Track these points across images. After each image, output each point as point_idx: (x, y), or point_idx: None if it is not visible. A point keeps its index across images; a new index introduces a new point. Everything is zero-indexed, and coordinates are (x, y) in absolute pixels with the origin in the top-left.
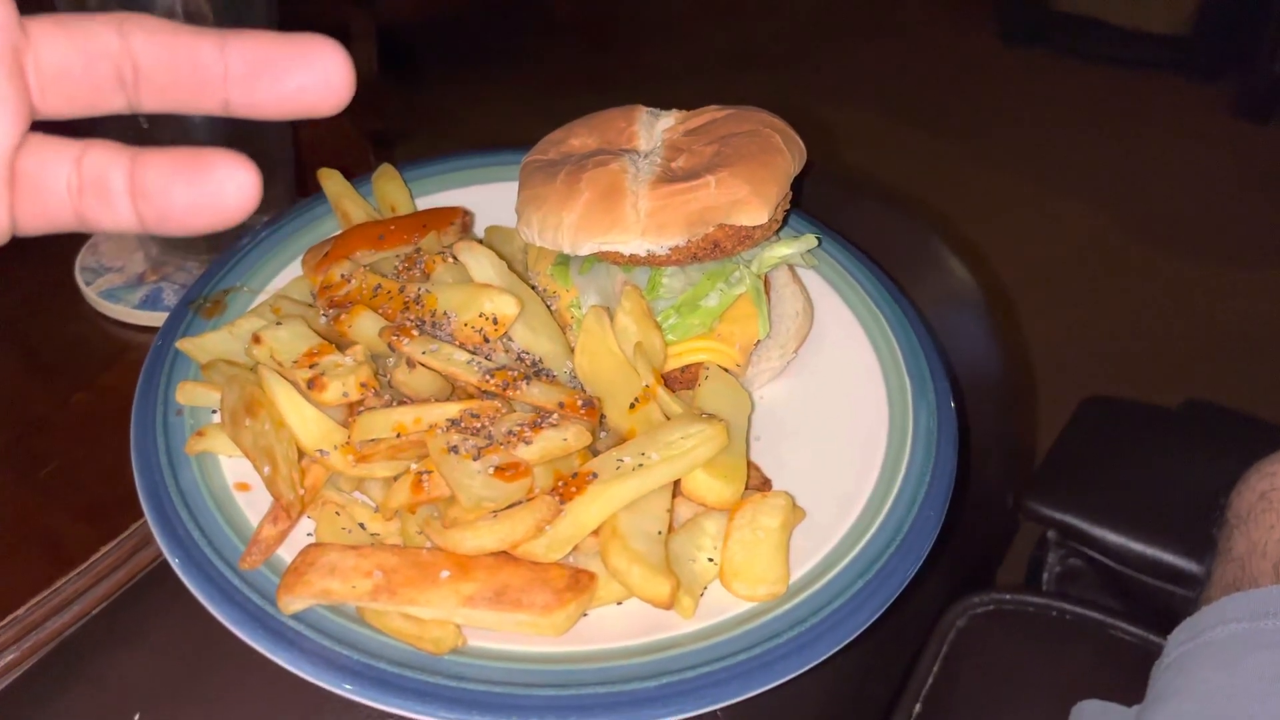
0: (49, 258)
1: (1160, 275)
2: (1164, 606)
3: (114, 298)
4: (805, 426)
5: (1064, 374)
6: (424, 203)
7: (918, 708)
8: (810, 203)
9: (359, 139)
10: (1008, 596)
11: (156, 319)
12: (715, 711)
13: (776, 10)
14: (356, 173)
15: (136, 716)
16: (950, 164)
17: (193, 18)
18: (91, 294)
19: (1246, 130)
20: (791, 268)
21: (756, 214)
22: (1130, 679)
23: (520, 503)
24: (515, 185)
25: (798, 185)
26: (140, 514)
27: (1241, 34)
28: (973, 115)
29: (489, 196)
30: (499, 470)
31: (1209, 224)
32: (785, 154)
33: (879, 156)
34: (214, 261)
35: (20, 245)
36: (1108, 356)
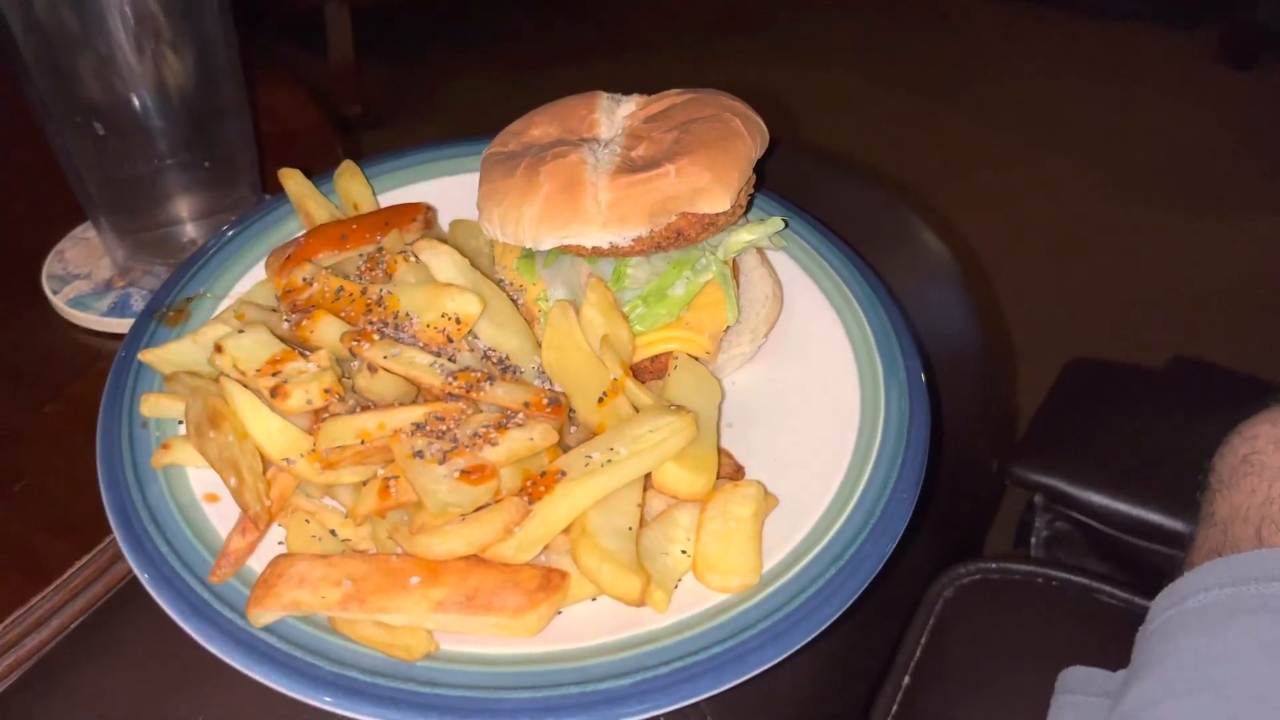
0: (14, 266)
1: (1142, 229)
2: (1153, 567)
3: (82, 306)
4: (777, 412)
5: (1047, 335)
6: (387, 198)
7: (906, 680)
8: (779, 177)
9: (326, 130)
10: (993, 566)
11: (125, 326)
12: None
13: None
14: (324, 165)
15: None
16: (926, 124)
17: (142, 19)
18: (59, 302)
19: (1228, 78)
20: (760, 250)
21: (718, 201)
22: (1116, 643)
23: (488, 505)
24: (478, 176)
25: (761, 167)
26: None
27: None
28: (949, 72)
29: (453, 189)
30: (464, 474)
31: (1190, 175)
32: (746, 138)
33: (853, 119)
34: (177, 267)
35: None
36: (1090, 315)
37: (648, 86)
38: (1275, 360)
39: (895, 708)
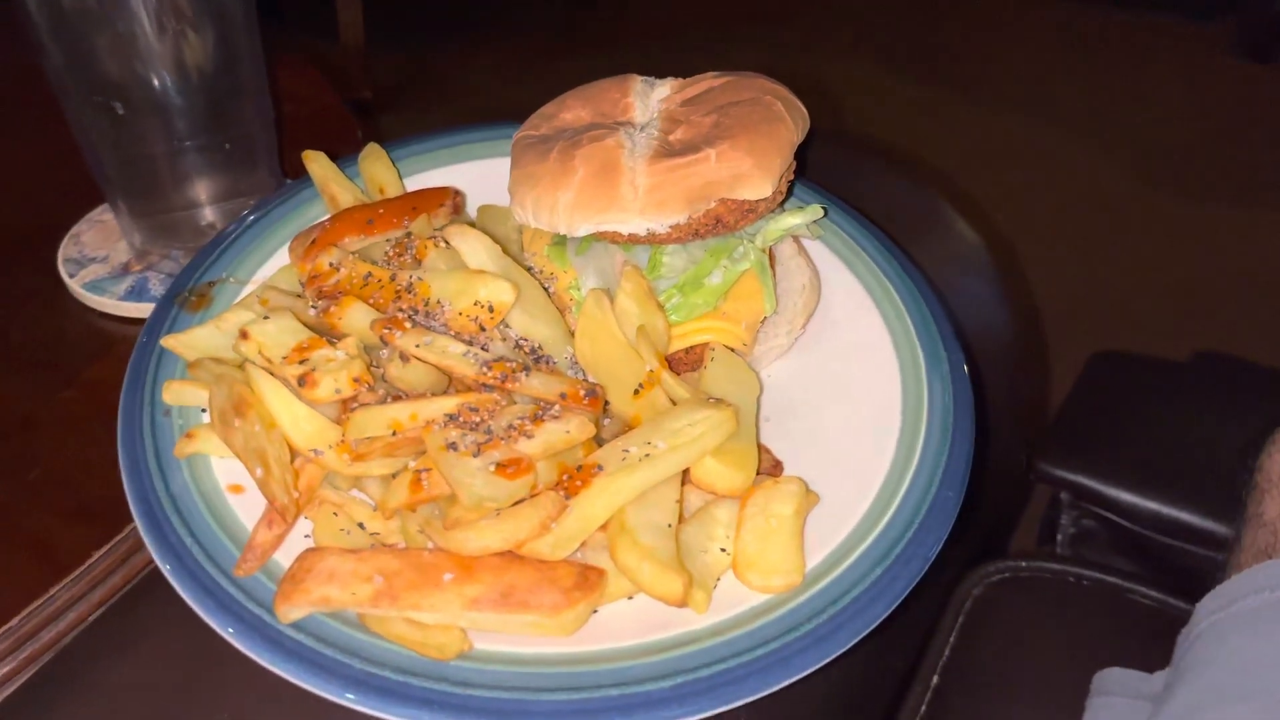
0: (30, 249)
1: (1161, 220)
2: (1180, 566)
3: (98, 289)
4: (816, 405)
5: (1068, 327)
6: (413, 182)
7: (935, 679)
8: (809, 166)
9: (344, 114)
10: (1024, 564)
11: (143, 310)
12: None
13: None
14: (343, 149)
15: None
16: (950, 113)
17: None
18: (75, 286)
19: (1247, 70)
20: (797, 239)
21: (759, 187)
22: (1150, 643)
23: (523, 500)
24: (507, 161)
25: (802, 154)
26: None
27: None
28: (970, 61)
29: (480, 173)
30: (500, 467)
31: (1209, 166)
32: (788, 122)
33: (876, 108)
34: (199, 251)
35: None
36: (1111, 307)
37: (664, 74)
38: None
39: (924, 708)
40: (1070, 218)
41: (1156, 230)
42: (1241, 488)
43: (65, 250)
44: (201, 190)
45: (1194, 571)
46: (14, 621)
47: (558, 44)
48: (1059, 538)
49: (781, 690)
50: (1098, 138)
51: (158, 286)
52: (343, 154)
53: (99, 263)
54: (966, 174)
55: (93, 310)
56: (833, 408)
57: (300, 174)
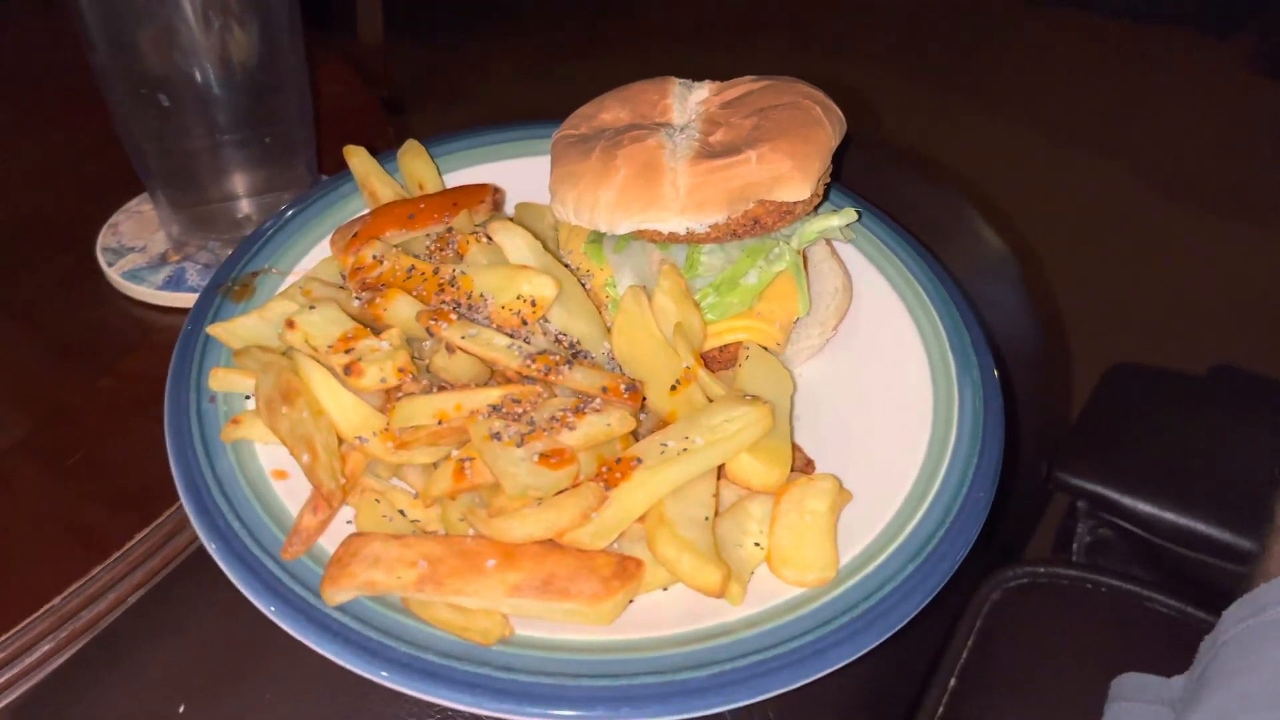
0: (69, 239)
1: (1182, 232)
2: (1194, 577)
3: (137, 279)
4: (847, 405)
5: (1089, 334)
6: (451, 179)
7: (953, 682)
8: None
9: (377, 111)
10: (1041, 569)
11: (180, 300)
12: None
13: None
14: (375, 145)
15: (181, 709)
16: (966, 121)
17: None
18: (114, 275)
19: (1265, 86)
20: (829, 242)
21: (799, 189)
22: (1167, 651)
23: (565, 490)
24: (543, 159)
25: (838, 158)
26: (172, 501)
27: None
28: (991, 72)
29: (517, 171)
30: (544, 458)
31: (1230, 179)
32: (826, 126)
33: (897, 117)
34: (241, 243)
35: (39, 227)
36: (1132, 315)
37: (684, 75)
38: None
39: (941, 709)
40: (1089, 228)
41: (1174, 242)
42: (1271, 497)
43: (104, 240)
44: (240, 183)
45: (1208, 582)
46: (56, 600)
47: (576, 43)
48: (1075, 546)
49: (803, 688)
50: (1115, 150)
51: (195, 277)
52: (376, 151)
53: (137, 252)
54: (984, 181)
55: (131, 299)
56: (864, 408)
57: (335, 170)
